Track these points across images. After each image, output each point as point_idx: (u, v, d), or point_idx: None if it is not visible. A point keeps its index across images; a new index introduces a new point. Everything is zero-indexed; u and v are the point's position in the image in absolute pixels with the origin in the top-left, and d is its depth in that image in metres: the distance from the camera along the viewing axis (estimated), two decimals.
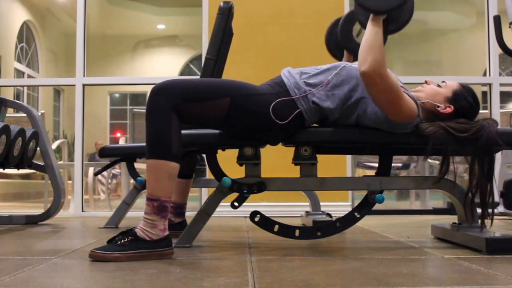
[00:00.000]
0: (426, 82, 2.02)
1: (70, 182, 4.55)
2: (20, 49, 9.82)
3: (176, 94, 1.75)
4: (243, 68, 3.69)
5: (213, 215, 1.99)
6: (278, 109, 1.84)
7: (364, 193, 2.04)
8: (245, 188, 1.97)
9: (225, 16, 2.21)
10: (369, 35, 1.81)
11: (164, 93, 1.74)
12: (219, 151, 2.14)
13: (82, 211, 3.92)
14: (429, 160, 4.69)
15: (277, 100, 1.84)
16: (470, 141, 1.88)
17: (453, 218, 2.16)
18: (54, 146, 4.54)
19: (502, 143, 1.88)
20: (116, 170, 7.35)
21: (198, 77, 2.38)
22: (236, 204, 2.00)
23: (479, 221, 1.95)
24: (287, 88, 1.89)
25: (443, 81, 2.01)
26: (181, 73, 11.97)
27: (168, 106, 1.72)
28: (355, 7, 1.96)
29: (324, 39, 2.49)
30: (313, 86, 1.89)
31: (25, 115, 3.19)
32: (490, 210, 1.91)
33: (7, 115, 3.25)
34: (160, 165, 1.70)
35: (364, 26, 1.89)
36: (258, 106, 1.83)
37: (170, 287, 1.26)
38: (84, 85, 3.98)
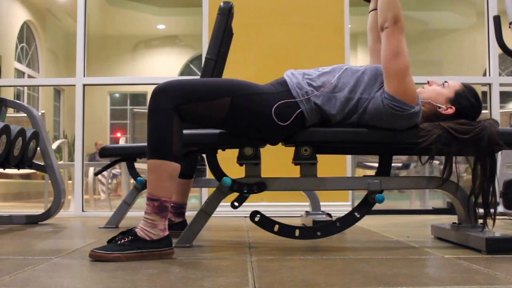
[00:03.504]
0: (428, 83, 2.02)
1: (70, 182, 4.55)
2: (20, 49, 9.83)
3: (177, 94, 1.75)
4: (243, 68, 3.69)
5: (213, 215, 2.00)
6: (279, 110, 1.84)
7: (364, 193, 2.05)
8: (245, 188, 1.97)
9: (225, 16, 2.21)
10: None
11: (166, 93, 1.74)
12: (219, 151, 2.14)
13: (82, 211, 3.92)
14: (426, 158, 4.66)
15: (279, 103, 1.84)
16: (472, 142, 1.88)
17: (453, 218, 2.16)
18: (54, 146, 4.54)
19: (503, 144, 1.88)
20: (116, 170, 7.35)
21: (198, 77, 2.38)
22: (236, 204, 2.00)
23: (480, 221, 1.96)
24: (289, 87, 1.89)
25: (445, 81, 2.01)
26: (181, 73, 11.98)
27: (170, 106, 1.73)
28: None
29: None
30: (316, 87, 1.90)
31: (25, 115, 3.19)
32: (492, 211, 1.91)
33: (7, 115, 3.25)
34: (161, 165, 1.70)
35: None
36: (259, 106, 1.84)
37: (170, 287, 1.26)
38: (84, 85, 3.98)
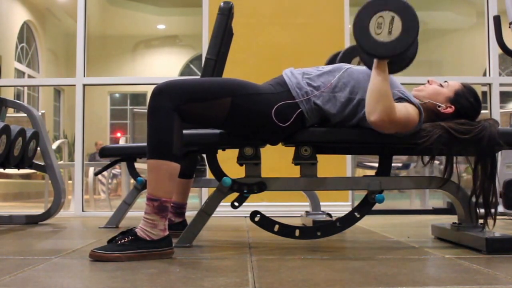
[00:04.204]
0: (428, 82, 2.02)
1: (70, 182, 4.55)
2: (20, 49, 9.83)
3: (178, 94, 1.75)
4: (243, 68, 3.69)
5: (213, 215, 2.00)
6: (279, 111, 1.84)
7: (364, 193, 2.05)
8: (245, 188, 1.97)
9: (225, 16, 2.21)
10: (375, 82, 1.79)
11: (166, 93, 1.74)
12: (219, 151, 2.14)
13: (83, 211, 3.92)
14: (427, 159, 4.66)
15: (279, 104, 1.84)
16: (473, 143, 1.88)
17: (453, 218, 2.16)
18: (54, 146, 4.54)
19: (503, 144, 1.88)
20: (116, 170, 7.35)
21: (198, 77, 2.38)
22: (236, 204, 2.00)
23: (481, 221, 1.96)
24: (289, 88, 1.89)
25: (445, 81, 2.01)
26: (181, 73, 11.97)
27: (170, 106, 1.72)
28: (359, 55, 1.96)
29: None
30: (316, 87, 1.89)
31: (25, 115, 3.19)
32: (493, 211, 1.91)
33: (7, 115, 3.25)
34: (161, 165, 1.70)
35: (370, 68, 1.87)
36: (259, 106, 1.83)
37: (170, 286, 1.26)
38: (84, 85, 3.98)
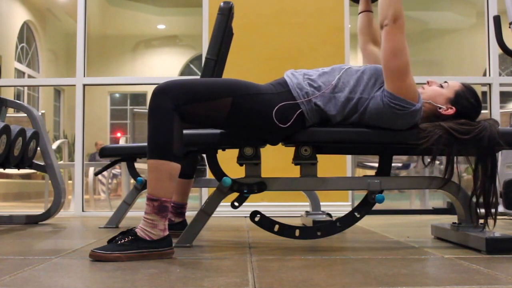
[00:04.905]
0: (428, 83, 2.02)
1: (70, 182, 4.56)
2: (20, 49, 9.83)
3: (178, 94, 1.75)
4: (243, 68, 3.69)
5: (213, 215, 2.00)
6: (280, 112, 1.84)
7: (364, 193, 2.05)
8: (245, 188, 1.97)
9: (225, 16, 2.21)
10: None
11: (167, 93, 1.74)
12: (219, 151, 2.14)
13: (83, 211, 3.92)
14: (428, 159, 4.66)
15: (279, 105, 1.84)
16: (473, 143, 1.87)
17: (453, 218, 2.16)
18: (54, 146, 4.54)
19: (503, 144, 1.88)
20: (116, 170, 7.35)
21: (198, 77, 2.39)
22: (236, 204, 2.00)
23: (481, 221, 1.96)
24: (289, 88, 1.89)
25: (445, 81, 2.01)
26: (181, 73, 11.98)
27: (170, 106, 1.73)
28: None
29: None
30: (316, 88, 1.89)
31: (25, 115, 3.19)
32: (493, 211, 1.91)
33: (7, 115, 3.25)
34: (161, 165, 1.70)
35: None
36: (259, 106, 1.83)
37: (171, 287, 1.26)
38: (84, 85, 3.98)
